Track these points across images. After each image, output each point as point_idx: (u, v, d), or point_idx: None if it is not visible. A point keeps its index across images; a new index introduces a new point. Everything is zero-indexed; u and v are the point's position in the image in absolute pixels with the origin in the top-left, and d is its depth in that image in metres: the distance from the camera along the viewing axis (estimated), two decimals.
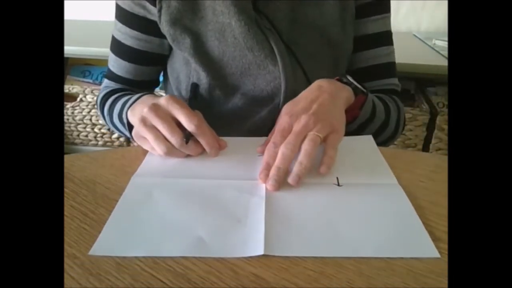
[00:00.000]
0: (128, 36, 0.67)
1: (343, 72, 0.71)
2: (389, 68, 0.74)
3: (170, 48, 0.68)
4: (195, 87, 0.64)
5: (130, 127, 0.57)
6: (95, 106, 1.55)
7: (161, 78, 0.77)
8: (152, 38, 0.66)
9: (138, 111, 0.53)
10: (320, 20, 0.65)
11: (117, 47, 0.69)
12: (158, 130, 0.49)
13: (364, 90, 0.60)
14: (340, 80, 0.59)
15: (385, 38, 0.73)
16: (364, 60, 0.72)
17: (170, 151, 0.50)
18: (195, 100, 0.63)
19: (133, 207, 0.43)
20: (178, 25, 0.62)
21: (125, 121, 0.59)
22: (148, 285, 0.33)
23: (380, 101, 0.66)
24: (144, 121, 0.49)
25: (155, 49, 0.68)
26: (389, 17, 0.72)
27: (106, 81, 0.74)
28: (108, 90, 0.71)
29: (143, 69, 0.70)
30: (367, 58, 0.71)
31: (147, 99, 0.55)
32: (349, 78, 0.60)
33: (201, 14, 0.62)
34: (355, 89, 0.59)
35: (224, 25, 0.61)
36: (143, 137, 0.51)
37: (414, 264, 0.35)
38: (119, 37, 0.68)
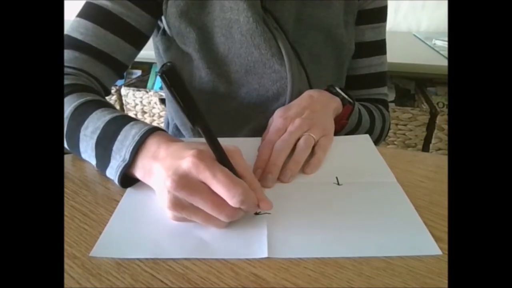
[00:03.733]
0: (117, 5, 0.59)
1: (345, 73, 0.72)
2: (380, 78, 0.75)
3: (153, 31, 0.66)
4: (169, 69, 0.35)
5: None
6: None
7: (159, 79, 0.76)
8: (143, 13, 0.61)
9: (157, 172, 0.40)
10: (326, 21, 0.65)
11: (99, 14, 0.59)
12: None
13: (351, 101, 0.62)
14: (328, 90, 0.61)
15: (380, 47, 0.74)
16: (357, 68, 0.73)
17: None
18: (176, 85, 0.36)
19: (133, 209, 0.43)
20: (184, 18, 0.61)
21: (126, 157, 0.43)
22: (148, 285, 0.33)
23: (366, 111, 0.68)
24: (177, 204, 0.37)
25: (142, 26, 0.62)
26: (385, 26, 0.74)
27: (72, 54, 0.58)
28: (75, 81, 0.56)
29: (124, 46, 0.61)
30: (361, 66, 0.73)
31: (160, 149, 0.41)
32: (337, 89, 0.62)
33: (209, 9, 0.62)
34: (342, 100, 0.61)
35: (231, 22, 0.61)
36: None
37: (414, 264, 0.35)
38: (104, 4, 0.59)
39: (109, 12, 0.59)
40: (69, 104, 0.50)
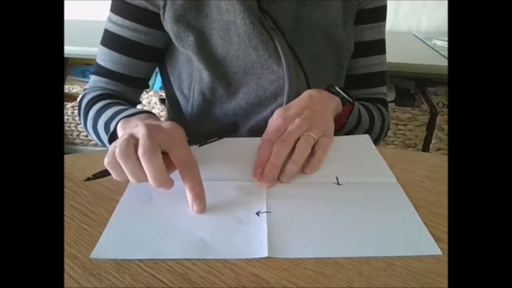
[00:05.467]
0: (126, 29, 0.65)
1: (344, 72, 0.72)
2: (380, 77, 0.75)
3: (168, 43, 0.68)
4: None
5: (113, 136, 0.54)
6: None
7: (159, 79, 0.77)
8: (152, 30, 0.65)
9: (128, 129, 0.47)
10: (324, 21, 0.65)
11: (112, 40, 0.66)
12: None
13: (351, 100, 0.62)
14: (328, 90, 0.61)
15: (380, 46, 0.74)
16: (357, 68, 0.73)
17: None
18: None
19: (133, 210, 0.43)
20: (181, 22, 0.62)
21: (111, 130, 0.54)
22: (148, 285, 0.33)
23: (365, 110, 0.68)
24: (114, 151, 0.41)
25: (153, 42, 0.66)
26: (384, 26, 0.74)
27: (94, 78, 0.69)
28: (99, 93, 0.66)
29: (139, 64, 0.67)
30: (360, 66, 0.73)
31: (145, 119, 0.50)
32: (337, 88, 0.62)
33: (206, 12, 0.62)
34: (342, 99, 0.61)
35: (229, 24, 0.61)
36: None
37: (414, 264, 0.35)
38: (114, 29, 0.65)
39: (119, 36, 0.65)
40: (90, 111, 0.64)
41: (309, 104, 0.55)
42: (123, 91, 0.69)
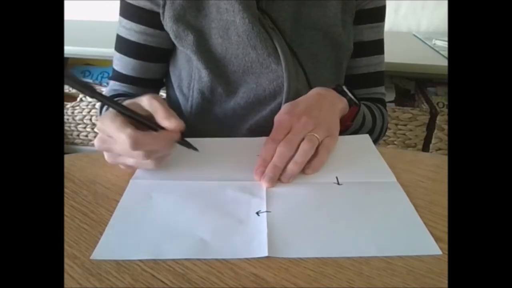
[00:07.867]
0: (134, 32, 0.66)
1: (344, 72, 0.72)
2: (379, 77, 0.75)
3: (173, 43, 0.68)
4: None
5: None
6: (95, 107, 1.55)
7: None
8: (159, 31, 0.66)
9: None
10: (323, 21, 0.65)
11: (122, 44, 0.68)
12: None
13: (357, 102, 0.62)
14: (336, 90, 0.61)
15: (378, 46, 0.74)
16: (356, 68, 0.73)
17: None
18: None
19: (133, 210, 0.43)
20: (181, 21, 0.62)
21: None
22: (148, 285, 0.33)
23: (368, 111, 0.68)
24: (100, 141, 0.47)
25: (162, 43, 0.67)
26: (383, 26, 0.74)
27: (111, 83, 0.72)
28: (116, 93, 0.68)
29: (150, 66, 0.69)
30: (359, 65, 0.73)
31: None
32: (345, 88, 0.62)
33: (205, 11, 0.63)
34: (349, 100, 0.61)
35: (228, 23, 0.61)
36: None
37: (414, 264, 0.35)
38: (124, 33, 0.67)
39: (129, 41, 0.67)
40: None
41: (317, 102, 0.55)
42: (139, 93, 0.69)
